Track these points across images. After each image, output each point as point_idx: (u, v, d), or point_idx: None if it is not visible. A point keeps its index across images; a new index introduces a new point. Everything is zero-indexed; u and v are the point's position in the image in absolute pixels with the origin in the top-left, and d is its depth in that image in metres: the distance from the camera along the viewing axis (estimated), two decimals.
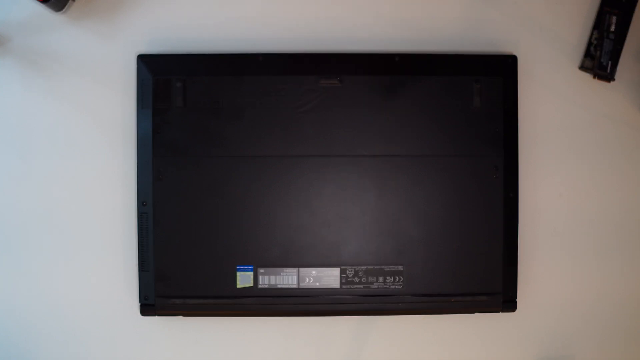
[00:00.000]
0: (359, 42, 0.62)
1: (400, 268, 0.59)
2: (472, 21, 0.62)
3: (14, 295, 0.61)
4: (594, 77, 0.62)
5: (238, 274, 0.59)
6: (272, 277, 0.59)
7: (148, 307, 0.59)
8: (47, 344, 0.61)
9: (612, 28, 0.61)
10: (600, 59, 0.61)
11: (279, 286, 0.59)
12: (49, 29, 0.61)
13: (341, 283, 0.59)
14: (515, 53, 0.62)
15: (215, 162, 0.59)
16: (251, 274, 0.59)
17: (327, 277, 0.59)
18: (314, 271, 0.59)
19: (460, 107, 0.59)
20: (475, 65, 0.60)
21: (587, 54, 0.62)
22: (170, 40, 0.62)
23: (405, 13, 0.62)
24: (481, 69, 0.60)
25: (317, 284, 0.59)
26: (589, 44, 0.62)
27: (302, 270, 0.59)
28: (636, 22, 0.62)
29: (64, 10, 0.59)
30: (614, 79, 0.61)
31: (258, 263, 0.59)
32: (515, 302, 0.60)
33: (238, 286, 0.59)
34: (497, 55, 0.61)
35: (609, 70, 0.61)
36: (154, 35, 0.62)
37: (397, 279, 0.59)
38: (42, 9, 0.59)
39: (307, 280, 0.59)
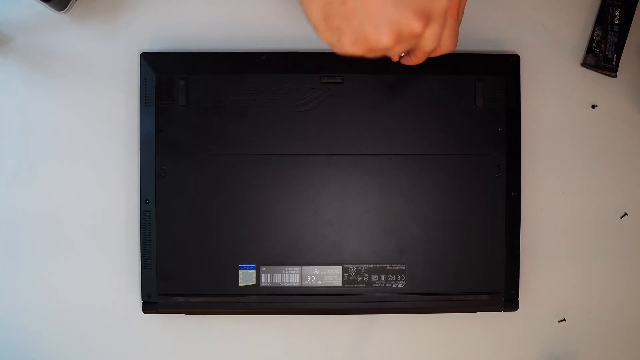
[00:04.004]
0: None
1: (402, 267, 0.59)
2: (475, 20, 0.62)
3: (15, 293, 0.62)
4: (599, 71, 0.61)
5: (240, 272, 0.59)
6: (275, 276, 0.59)
7: (150, 305, 0.59)
8: (48, 342, 0.62)
9: (616, 20, 0.61)
10: (605, 52, 0.61)
11: (281, 284, 0.59)
12: (52, 28, 0.61)
13: (343, 281, 0.59)
14: (518, 52, 0.61)
15: (218, 160, 0.59)
16: (253, 272, 0.59)
17: (329, 276, 0.59)
18: (316, 270, 0.59)
19: (463, 106, 0.59)
20: (478, 64, 0.60)
21: (589, 50, 0.62)
22: (174, 38, 0.62)
23: None
24: (484, 68, 0.60)
25: (319, 282, 0.59)
26: (591, 40, 0.62)
27: (304, 268, 0.59)
28: (638, 16, 0.62)
29: (66, 9, 0.59)
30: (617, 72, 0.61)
31: (260, 261, 0.59)
32: (518, 301, 0.60)
33: (240, 284, 0.59)
34: (499, 54, 0.61)
35: (614, 62, 0.61)
36: (157, 33, 0.62)
37: (399, 277, 0.59)
38: (45, 8, 0.59)
39: (309, 278, 0.59)
